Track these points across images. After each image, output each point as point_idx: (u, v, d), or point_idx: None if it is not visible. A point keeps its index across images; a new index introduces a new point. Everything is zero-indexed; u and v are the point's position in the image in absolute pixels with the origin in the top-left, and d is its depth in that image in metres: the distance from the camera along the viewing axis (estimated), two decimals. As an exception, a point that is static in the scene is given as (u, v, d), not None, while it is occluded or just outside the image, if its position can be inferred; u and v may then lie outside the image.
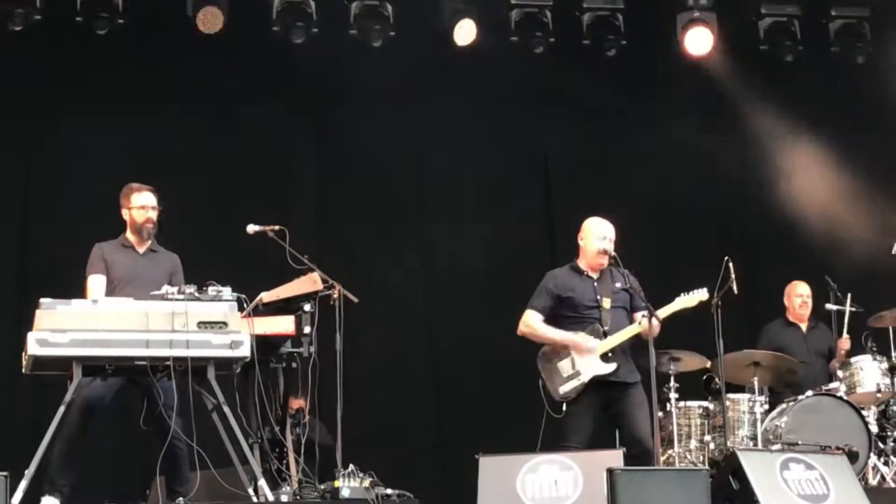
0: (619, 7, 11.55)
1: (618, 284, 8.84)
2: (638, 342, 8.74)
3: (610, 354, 8.63)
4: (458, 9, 11.32)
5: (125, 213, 8.57)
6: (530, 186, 12.03)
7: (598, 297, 8.79)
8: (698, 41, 11.60)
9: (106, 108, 11.13)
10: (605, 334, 8.67)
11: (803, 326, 10.87)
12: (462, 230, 11.59)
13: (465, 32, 11.27)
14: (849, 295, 10.51)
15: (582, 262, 8.93)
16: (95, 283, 8.36)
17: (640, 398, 8.66)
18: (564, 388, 8.65)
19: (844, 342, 10.46)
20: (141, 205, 8.50)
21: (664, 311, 8.65)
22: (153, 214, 8.52)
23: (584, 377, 8.60)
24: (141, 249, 8.56)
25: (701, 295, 8.81)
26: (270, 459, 8.20)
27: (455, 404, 11.47)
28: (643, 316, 8.61)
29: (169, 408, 7.86)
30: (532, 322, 8.83)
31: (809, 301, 10.82)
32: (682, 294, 8.78)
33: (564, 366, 8.66)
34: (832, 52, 11.86)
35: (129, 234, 8.57)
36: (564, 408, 8.63)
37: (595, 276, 8.87)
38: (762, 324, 10.98)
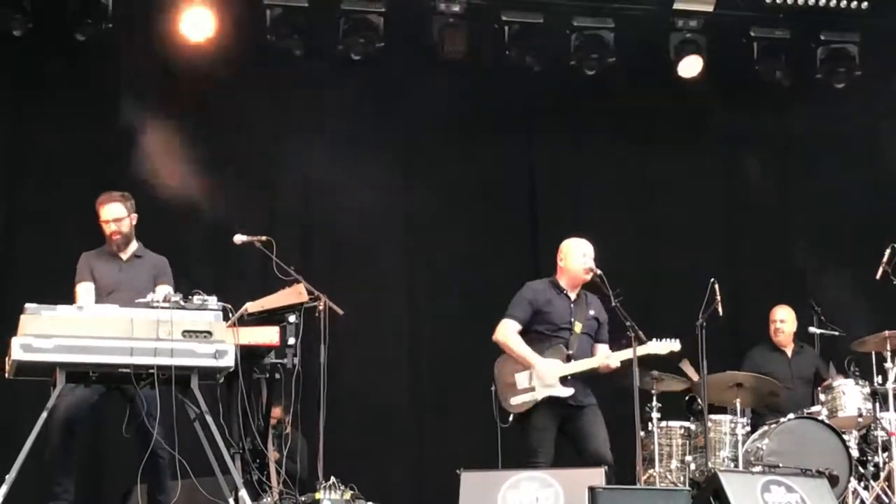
0: (610, 26, 11.56)
1: (591, 312, 8.87)
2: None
3: (569, 378, 8.63)
4: (447, 23, 11.34)
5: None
6: (516, 204, 12.03)
7: (573, 319, 8.80)
8: (690, 65, 11.63)
9: (92, 113, 11.10)
10: (570, 358, 8.67)
11: (788, 351, 10.89)
12: (447, 244, 11.59)
13: (456, 48, 11.29)
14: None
15: (562, 280, 8.93)
16: (83, 291, 8.38)
17: (596, 415, 8.71)
18: (516, 400, 8.66)
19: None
20: (104, 220, 8.50)
21: (625, 354, 8.63)
22: (117, 227, 8.48)
23: (539, 395, 8.61)
24: (125, 256, 8.58)
25: (673, 346, 8.79)
26: (251, 470, 8.17)
27: (437, 418, 11.47)
28: (631, 337, 8.57)
29: (151, 416, 7.87)
30: (508, 332, 8.81)
31: (784, 327, 10.84)
32: (655, 339, 8.76)
33: (521, 378, 8.67)
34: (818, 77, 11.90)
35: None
36: (511, 419, 8.66)
37: (573, 296, 8.88)
38: (746, 345, 11.00)
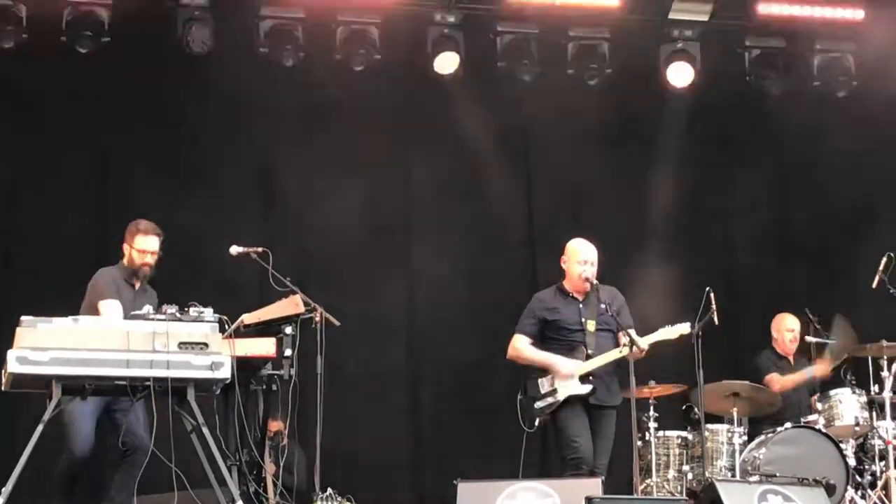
0: (605, 36, 11.58)
1: (602, 306, 8.89)
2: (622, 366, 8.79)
3: (591, 378, 8.68)
4: (443, 34, 11.35)
5: (126, 249, 8.62)
6: (514, 212, 12.04)
7: (583, 319, 8.86)
8: (680, 73, 11.65)
9: (87, 127, 11.08)
10: (589, 357, 8.72)
11: (790, 358, 10.90)
12: (444, 255, 11.58)
13: (447, 63, 11.32)
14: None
15: (567, 284, 8.99)
16: (114, 308, 8.34)
17: (609, 424, 8.79)
18: (539, 404, 8.76)
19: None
20: (142, 248, 8.55)
21: (645, 341, 8.69)
22: (151, 260, 8.57)
23: (560, 395, 8.71)
24: (137, 285, 8.67)
25: (682, 329, 8.86)
26: (248, 482, 8.18)
27: (435, 429, 11.47)
28: (624, 344, 8.63)
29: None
30: (519, 346, 8.93)
31: (798, 336, 10.84)
32: (667, 325, 8.82)
33: (544, 382, 8.79)
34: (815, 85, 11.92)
35: (127, 267, 8.64)
36: (537, 423, 8.73)
37: (580, 297, 8.93)
38: (743, 355, 11.00)
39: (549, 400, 8.72)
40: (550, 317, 8.89)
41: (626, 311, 8.91)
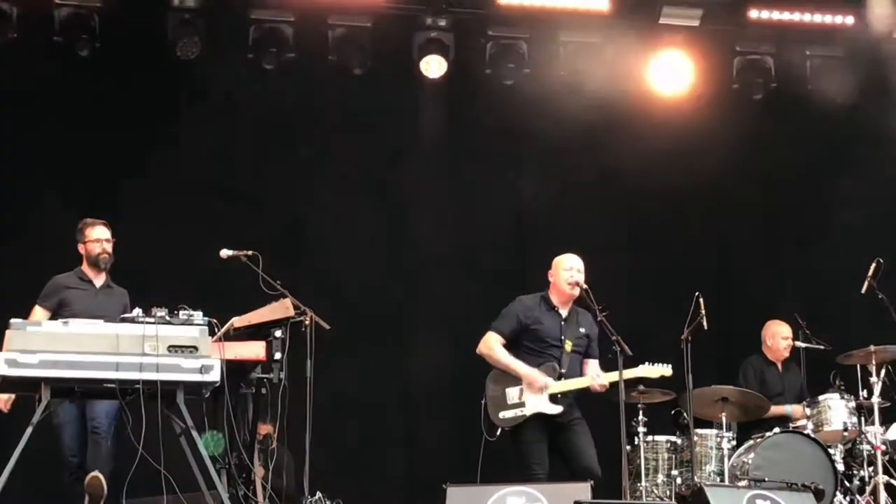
0: (592, 42, 11.60)
1: (581, 330, 8.89)
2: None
3: (559, 396, 8.65)
4: (430, 38, 11.37)
5: (81, 248, 8.96)
6: (503, 219, 12.03)
7: (563, 337, 8.82)
8: (668, 77, 11.69)
9: (74, 131, 11.07)
10: (561, 376, 8.69)
11: (779, 364, 10.91)
12: (436, 258, 11.59)
13: (433, 67, 11.33)
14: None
15: (553, 297, 8.95)
16: (39, 315, 8.65)
17: (584, 429, 8.74)
18: (505, 415, 8.69)
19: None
20: (95, 238, 8.92)
21: (627, 373, 8.63)
22: (108, 247, 8.93)
23: (527, 410, 8.65)
24: (98, 283, 8.95)
25: (664, 370, 8.84)
26: (237, 485, 8.16)
27: (424, 433, 11.46)
28: (617, 352, 8.58)
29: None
30: (492, 344, 8.85)
31: (791, 342, 10.84)
32: (647, 363, 8.80)
33: (512, 393, 8.71)
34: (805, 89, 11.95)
35: (85, 268, 8.95)
36: (498, 433, 8.68)
37: (564, 314, 8.89)
38: (733, 359, 11.01)
39: (516, 413, 8.66)
40: (532, 325, 8.84)
41: (596, 343, 8.87)
